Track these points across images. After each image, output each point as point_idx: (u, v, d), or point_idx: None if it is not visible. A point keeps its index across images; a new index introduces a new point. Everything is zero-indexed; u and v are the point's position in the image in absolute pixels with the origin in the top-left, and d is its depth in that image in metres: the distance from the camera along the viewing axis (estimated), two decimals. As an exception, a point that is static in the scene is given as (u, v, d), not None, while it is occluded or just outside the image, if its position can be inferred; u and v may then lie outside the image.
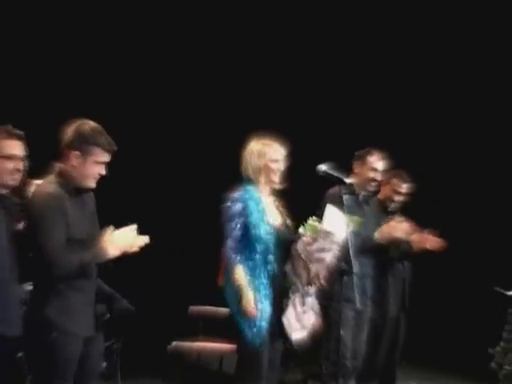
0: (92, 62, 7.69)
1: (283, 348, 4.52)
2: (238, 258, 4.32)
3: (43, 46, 7.39)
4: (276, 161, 4.53)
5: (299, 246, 4.32)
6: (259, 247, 4.35)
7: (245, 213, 4.37)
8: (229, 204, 4.41)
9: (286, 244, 4.44)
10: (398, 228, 5.48)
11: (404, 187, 5.96)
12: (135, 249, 3.75)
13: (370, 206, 5.66)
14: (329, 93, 8.31)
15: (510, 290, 5.91)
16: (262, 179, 4.53)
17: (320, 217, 4.42)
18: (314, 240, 4.29)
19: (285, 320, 4.34)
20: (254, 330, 4.27)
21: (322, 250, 4.29)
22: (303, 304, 4.38)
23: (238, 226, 4.34)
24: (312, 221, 4.35)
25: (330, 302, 4.97)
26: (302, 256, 4.31)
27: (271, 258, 4.37)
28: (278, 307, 4.36)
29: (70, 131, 3.80)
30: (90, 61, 7.67)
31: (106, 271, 3.91)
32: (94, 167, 3.81)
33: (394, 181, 5.97)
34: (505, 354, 5.84)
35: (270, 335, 4.33)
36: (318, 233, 4.29)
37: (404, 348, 6.06)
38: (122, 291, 5.09)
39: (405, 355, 6.13)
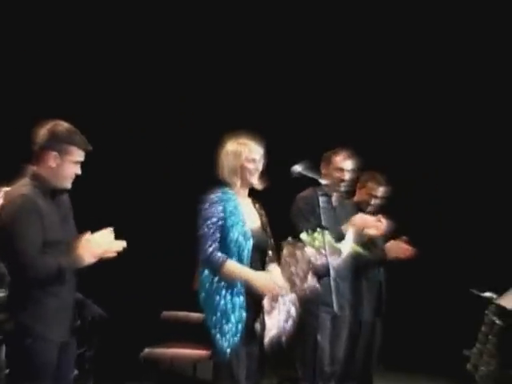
0: (92, 62, 7.75)
1: (258, 353, 4.41)
2: (222, 258, 4.18)
3: (44, 46, 7.46)
4: (253, 160, 4.41)
5: (286, 252, 4.26)
6: (235, 251, 4.23)
7: (222, 215, 4.25)
8: (206, 206, 4.29)
9: (262, 248, 4.37)
10: (371, 223, 5.40)
11: (380, 190, 5.93)
12: (112, 254, 3.70)
13: (344, 209, 5.58)
14: (337, 96, 8.31)
15: (485, 292, 5.91)
16: (239, 180, 4.40)
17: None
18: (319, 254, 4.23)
19: (257, 325, 4.26)
20: (227, 337, 4.15)
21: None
22: (274, 306, 4.28)
23: (216, 227, 4.22)
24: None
25: (306, 306, 4.88)
26: (292, 264, 4.23)
27: (247, 262, 4.25)
28: (253, 312, 4.26)
29: (43, 133, 3.75)
30: (90, 61, 7.73)
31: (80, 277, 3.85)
32: (71, 167, 3.76)
33: (370, 184, 5.94)
34: (480, 355, 5.80)
35: (245, 342, 4.22)
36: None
37: (380, 352, 6.04)
38: (92, 297, 5.02)
39: (381, 359, 6.11)
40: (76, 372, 5.02)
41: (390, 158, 7.80)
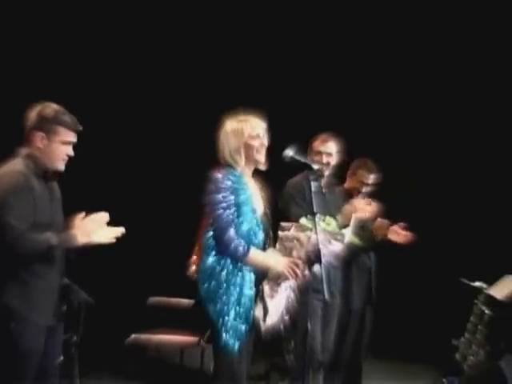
0: (92, 62, 7.76)
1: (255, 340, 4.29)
2: (245, 246, 3.96)
3: (44, 46, 7.47)
4: (257, 136, 4.13)
5: (284, 236, 4.15)
6: (249, 239, 4.01)
7: (235, 201, 3.99)
8: (218, 190, 3.99)
9: (266, 233, 4.20)
10: (361, 207, 5.33)
11: (371, 178, 5.86)
12: (111, 239, 3.69)
13: (333, 195, 5.51)
14: (337, 95, 8.28)
15: (475, 281, 5.89)
16: (243, 160, 4.12)
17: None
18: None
19: (257, 311, 4.10)
20: (234, 331, 3.96)
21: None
22: (277, 291, 4.15)
23: (232, 214, 3.96)
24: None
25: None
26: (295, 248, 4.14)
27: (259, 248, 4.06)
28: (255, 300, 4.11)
29: (32, 115, 3.75)
30: (90, 61, 7.74)
31: (68, 262, 3.78)
32: (60, 147, 3.72)
33: (360, 172, 5.88)
34: (469, 345, 5.80)
35: (247, 332, 4.06)
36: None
37: (370, 340, 6.00)
38: (79, 282, 4.96)
39: (370, 347, 6.08)
40: (61, 358, 4.98)
41: (390, 158, 7.80)
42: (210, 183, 4.06)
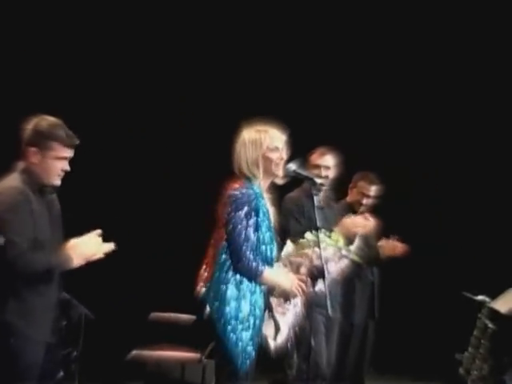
0: (92, 62, 7.74)
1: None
2: (262, 267, 3.86)
3: (44, 47, 7.48)
4: (276, 149, 3.96)
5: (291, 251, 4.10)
6: (264, 256, 3.92)
7: (255, 220, 3.86)
8: (239, 207, 3.84)
9: (278, 248, 4.10)
10: (360, 223, 5.30)
11: (372, 190, 5.82)
12: (100, 255, 3.62)
13: (331, 209, 5.47)
14: (337, 96, 8.27)
15: (478, 296, 5.85)
16: (261, 173, 3.95)
17: None
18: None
19: (267, 330, 4.02)
20: (243, 349, 3.85)
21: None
22: (288, 308, 4.08)
23: (250, 233, 3.83)
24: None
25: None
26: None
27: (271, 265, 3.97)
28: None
29: (28, 128, 3.68)
30: (90, 61, 7.73)
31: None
32: (55, 163, 3.66)
33: (361, 183, 5.84)
34: (473, 359, 5.77)
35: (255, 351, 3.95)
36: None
37: (372, 355, 5.97)
38: (80, 297, 4.93)
39: (373, 362, 6.04)
40: (62, 373, 4.94)
41: (390, 158, 7.85)
42: (230, 198, 3.91)
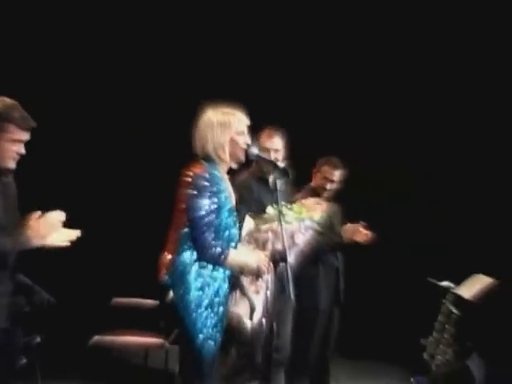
0: (92, 62, 7.70)
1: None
2: (226, 251, 3.81)
3: (44, 47, 7.44)
4: (242, 133, 3.93)
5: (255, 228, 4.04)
6: (227, 239, 3.88)
7: (217, 205, 3.81)
8: (199, 191, 3.77)
9: (239, 229, 4.05)
10: (310, 206, 5.22)
11: (336, 174, 5.76)
12: (66, 243, 3.55)
13: (284, 193, 5.39)
14: (337, 95, 8.19)
15: (443, 281, 5.88)
16: (226, 156, 3.90)
17: None
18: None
19: (241, 309, 3.98)
20: (209, 334, 3.81)
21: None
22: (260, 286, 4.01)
23: (212, 217, 3.77)
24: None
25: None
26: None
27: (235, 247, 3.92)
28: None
29: None
30: (90, 61, 7.68)
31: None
32: (9, 145, 3.53)
33: (325, 168, 5.78)
34: (437, 344, 5.81)
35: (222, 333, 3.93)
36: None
37: (337, 340, 5.96)
38: (41, 283, 4.87)
39: (338, 347, 6.04)
40: (24, 360, 4.88)
41: (390, 158, 7.90)
42: (189, 183, 3.83)
